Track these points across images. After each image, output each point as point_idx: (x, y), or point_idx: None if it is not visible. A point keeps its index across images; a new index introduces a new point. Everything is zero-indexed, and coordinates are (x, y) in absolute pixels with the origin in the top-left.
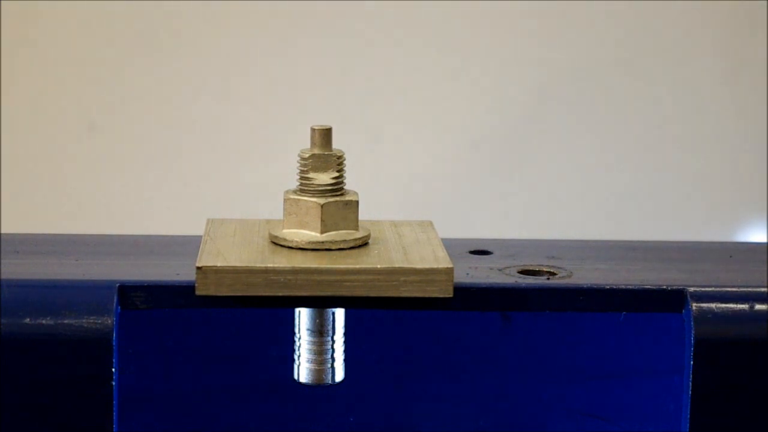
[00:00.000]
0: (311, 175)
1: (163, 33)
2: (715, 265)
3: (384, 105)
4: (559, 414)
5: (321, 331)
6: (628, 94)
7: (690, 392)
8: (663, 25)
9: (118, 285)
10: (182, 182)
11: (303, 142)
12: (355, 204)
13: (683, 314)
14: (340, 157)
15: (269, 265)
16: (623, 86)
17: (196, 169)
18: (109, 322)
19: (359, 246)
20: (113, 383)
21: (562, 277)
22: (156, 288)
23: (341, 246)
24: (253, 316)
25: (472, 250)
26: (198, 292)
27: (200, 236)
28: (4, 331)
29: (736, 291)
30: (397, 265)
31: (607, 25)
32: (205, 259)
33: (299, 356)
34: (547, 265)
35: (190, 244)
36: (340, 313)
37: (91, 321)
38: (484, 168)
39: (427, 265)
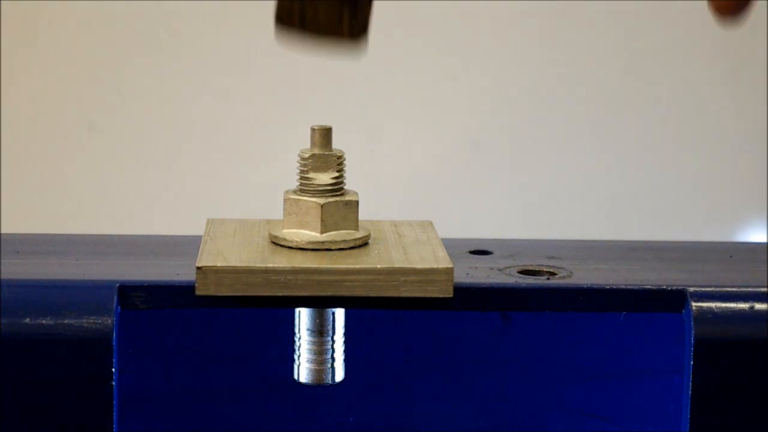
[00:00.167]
0: (311, 175)
1: (163, 33)
2: (715, 265)
3: (384, 105)
4: (559, 414)
5: (321, 331)
6: (628, 94)
7: (690, 392)
8: (663, 25)
9: (118, 285)
10: (182, 182)
11: (303, 142)
12: (355, 204)
13: (683, 314)
14: (340, 157)
15: (269, 265)
16: (623, 86)
17: (196, 169)
18: (109, 322)
19: (359, 246)
20: (113, 383)
21: (562, 277)
22: (156, 288)
23: (341, 246)
24: (253, 316)
25: (472, 250)
26: (198, 292)
27: (200, 236)
28: (4, 331)
29: (736, 291)
30: (397, 265)
31: (607, 25)
32: (205, 259)
33: (299, 356)
34: (547, 265)
35: (190, 244)
36: (340, 313)
37: (91, 321)
38: (484, 168)
39: (427, 265)
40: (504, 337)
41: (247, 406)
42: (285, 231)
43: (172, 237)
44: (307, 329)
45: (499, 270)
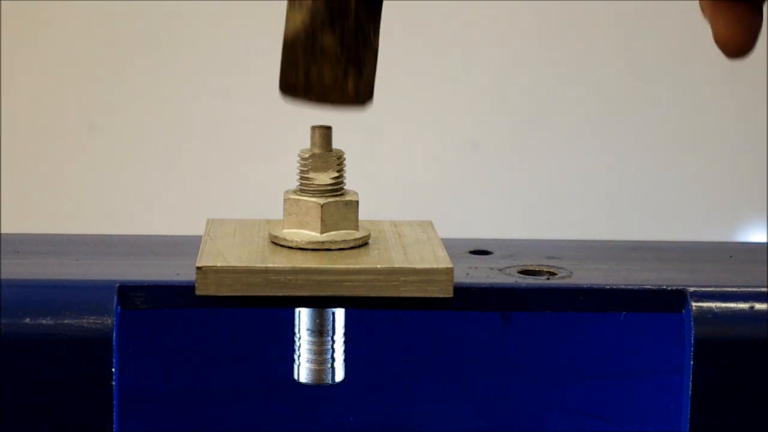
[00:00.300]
0: (311, 175)
1: (163, 33)
2: (715, 265)
3: (384, 105)
4: (559, 414)
5: (321, 331)
6: (628, 94)
7: (690, 392)
8: (663, 25)
9: (118, 285)
10: (182, 182)
11: (303, 142)
12: (355, 204)
13: (683, 314)
14: (340, 157)
15: (269, 265)
16: (623, 86)
17: (196, 169)
18: (109, 322)
19: (359, 246)
20: (113, 383)
21: (562, 277)
22: (156, 288)
23: (341, 246)
24: (253, 316)
25: (472, 250)
26: (198, 292)
27: (200, 236)
28: (4, 331)
29: (736, 291)
30: (397, 265)
31: (607, 25)
32: (205, 259)
33: (299, 356)
34: (547, 265)
35: (190, 244)
36: (340, 313)
37: (91, 321)
38: (484, 168)
39: (427, 265)
40: (504, 337)
41: (247, 406)
42: (285, 231)
43: (172, 237)
44: (307, 329)
45: (499, 270)
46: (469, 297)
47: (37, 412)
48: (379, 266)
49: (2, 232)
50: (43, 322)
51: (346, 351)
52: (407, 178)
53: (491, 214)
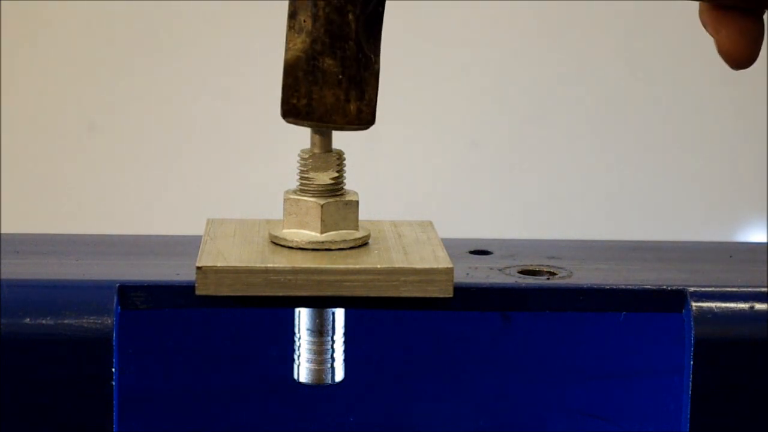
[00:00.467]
0: (311, 175)
1: (163, 33)
2: (715, 265)
3: (384, 105)
4: (559, 414)
5: (321, 331)
6: (628, 94)
7: (690, 392)
8: (663, 25)
9: (118, 285)
10: (182, 182)
11: (303, 142)
12: (355, 204)
13: (683, 314)
14: (340, 157)
15: (269, 265)
16: (623, 86)
17: (196, 169)
18: (109, 322)
19: (359, 246)
20: (113, 383)
21: (562, 277)
22: (156, 288)
23: (341, 246)
24: (253, 316)
25: (472, 250)
26: (198, 292)
27: (200, 236)
28: (4, 331)
29: (736, 291)
30: (397, 265)
31: (607, 25)
32: (205, 259)
33: (299, 356)
34: (547, 265)
35: (190, 244)
36: (340, 313)
37: (91, 321)
38: (484, 168)
39: (427, 265)
40: (504, 337)
41: (247, 406)
42: (285, 231)
43: (172, 237)
44: (307, 329)
45: (499, 270)
46: (469, 297)
47: (37, 412)
48: (379, 266)
49: (2, 232)
50: (43, 322)
51: (346, 351)
52: (407, 178)
53: (491, 214)
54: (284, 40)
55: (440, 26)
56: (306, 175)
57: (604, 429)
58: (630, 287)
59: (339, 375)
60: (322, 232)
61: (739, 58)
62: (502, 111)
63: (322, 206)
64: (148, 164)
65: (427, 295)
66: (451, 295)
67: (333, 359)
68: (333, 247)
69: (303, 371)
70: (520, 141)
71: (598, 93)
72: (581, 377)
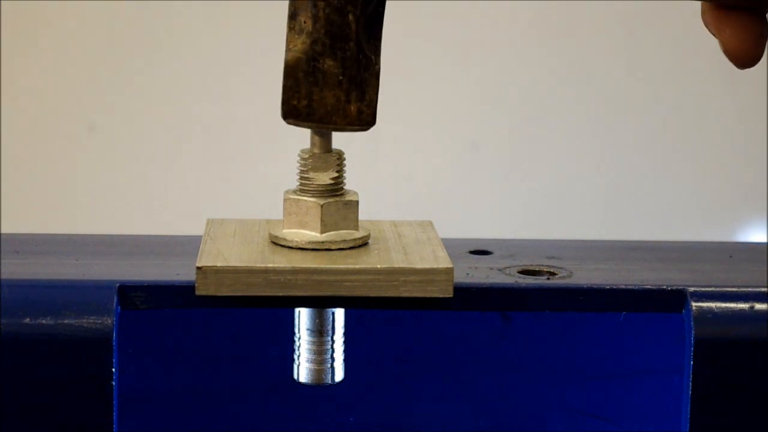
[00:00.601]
0: (311, 175)
1: (163, 33)
2: (715, 265)
3: (384, 105)
4: (559, 414)
5: (321, 331)
6: (628, 94)
7: (690, 392)
8: (663, 25)
9: (118, 285)
10: (182, 182)
11: (303, 143)
12: (355, 204)
13: (683, 314)
14: (340, 157)
15: (269, 265)
16: (623, 86)
17: (196, 169)
18: (109, 322)
19: (359, 246)
20: (113, 383)
21: (562, 277)
22: (156, 288)
23: (341, 246)
24: (253, 316)
25: (472, 250)
26: (198, 292)
27: (200, 236)
28: (4, 331)
29: (736, 291)
30: (397, 265)
31: (608, 25)
32: (205, 259)
33: (299, 356)
34: (547, 265)
35: (190, 244)
36: (340, 313)
37: (91, 321)
38: (483, 168)
39: (427, 265)
40: (504, 337)
41: (247, 406)
42: (285, 231)
43: (172, 237)
44: (307, 329)
45: (499, 270)
46: (469, 297)
47: (37, 412)
48: (379, 266)
49: (2, 232)
50: (43, 322)
51: (345, 351)
52: (407, 178)
53: (491, 214)
54: (284, 41)
55: (440, 26)
56: (306, 175)
57: (604, 429)
58: (630, 287)
59: (339, 375)
60: (322, 232)
61: (744, 57)
62: (502, 111)
63: (322, 206)
64: (148, 164)
65: (427, 295)
66: (451, 295)
67: (333, 359)
68: (333, 247)
69: (303, 371)
70: (520, 141)
71: (598, 93)
72: (581, 377)
